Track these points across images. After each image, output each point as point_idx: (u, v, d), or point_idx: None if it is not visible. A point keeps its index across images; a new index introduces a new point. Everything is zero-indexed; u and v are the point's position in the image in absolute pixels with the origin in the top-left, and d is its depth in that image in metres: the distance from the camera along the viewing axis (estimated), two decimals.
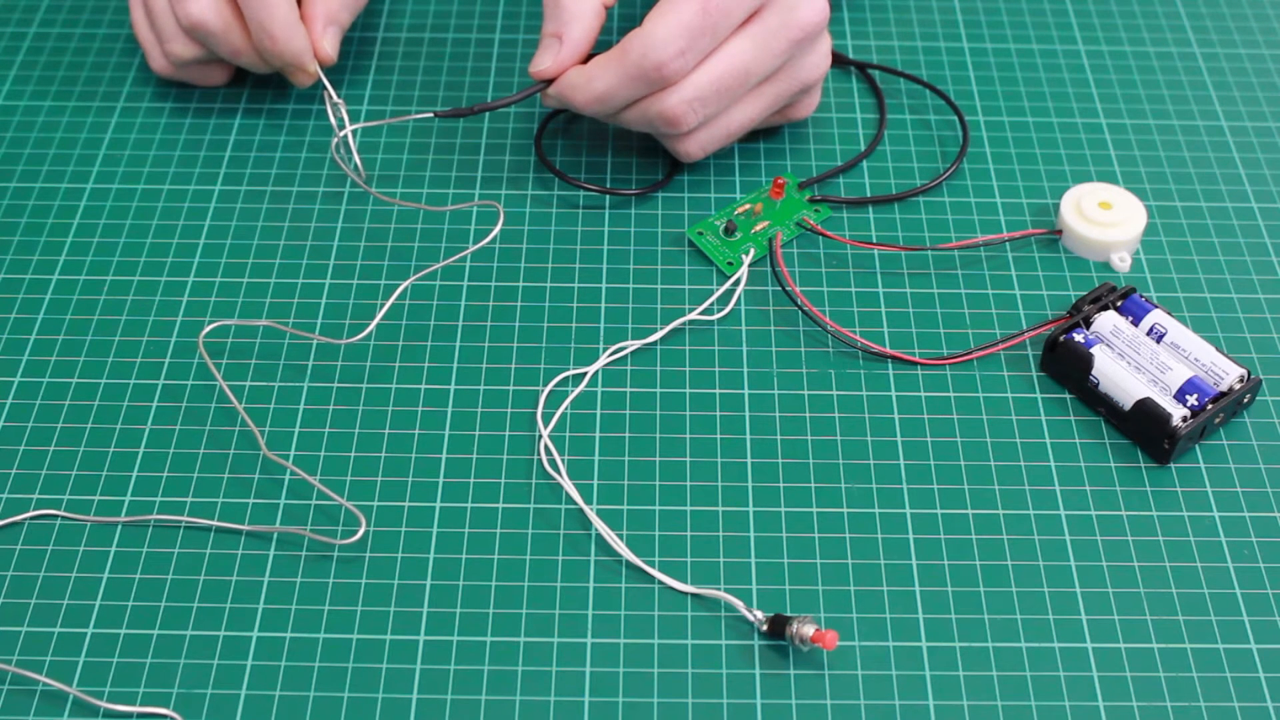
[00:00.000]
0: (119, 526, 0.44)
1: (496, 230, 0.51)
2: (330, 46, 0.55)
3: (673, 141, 0.51)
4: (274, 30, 0.53)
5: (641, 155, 0.55)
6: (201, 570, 0.43)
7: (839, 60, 0.59)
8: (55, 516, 0.44)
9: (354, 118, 0.57)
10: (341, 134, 0.53)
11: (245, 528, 0.43)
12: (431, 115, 0.52)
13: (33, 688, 0.40)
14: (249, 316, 0.49)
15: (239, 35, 0.54)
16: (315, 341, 0.49)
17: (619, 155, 0.55)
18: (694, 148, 0.51)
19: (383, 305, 0.49)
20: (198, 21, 0.53)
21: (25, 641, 0.41)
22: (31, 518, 0.44)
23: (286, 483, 0.45)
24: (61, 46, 0.60)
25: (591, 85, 0.49)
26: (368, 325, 0.49)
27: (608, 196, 0.54)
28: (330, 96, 0.54)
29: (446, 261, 0.51)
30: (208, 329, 0.48)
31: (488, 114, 0.57)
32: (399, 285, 0.50)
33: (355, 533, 0.43)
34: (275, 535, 0.43)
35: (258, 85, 0.58)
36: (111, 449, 0.46)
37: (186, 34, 0.54)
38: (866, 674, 0.41)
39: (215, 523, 0.44)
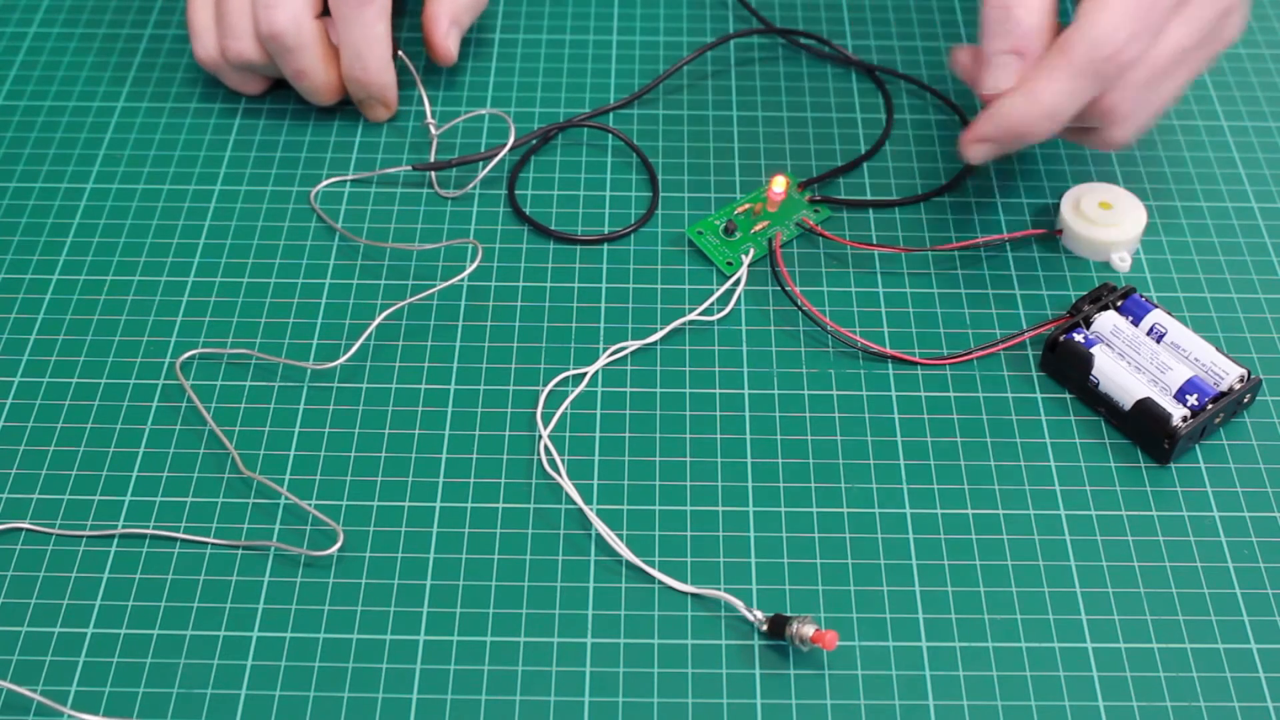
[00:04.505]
0: (118, 528, 0.44)
1: (472, 267, 0.51)
2: (453, 47, 0.56)
3: (1101, 134, 0.48)
4: (369, 61, 0.53)
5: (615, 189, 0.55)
6: (202, 570, 0.43)
7: (842, 60, 0.59)
8: (53, 522, 0.44)
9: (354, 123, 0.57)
10: (319, 187, 0.53)
11: (241, 544, 0.44)
12: (410, 169, 0.53)
13: (33, 688, 0.40)
14: (249, 316, 0.49)
15: (311, 56, 0.53)
16: (314, 343, 0.49)
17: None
18: (1128, 134, 0.48)
19: (383, 307, 0.50)
20: (278, 31, 0.51)
21: (25, 641, 0.41)
22: (30, 525, 0.44)
23: (286, 483, 0.45)
24: (61, 46, 0.60)
25: (1037, 101, 0.45)
26: (368, 326, 0.49)
27: (607, 196, 0.54)
28: (431, 126, 0.55)
29: (442, 285, 0.51)
30: (184, 357, 0.48)
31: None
32: (399, 286, 0.50)
33: (332, 545, 0.43)
34: (273, 536, 0.43)
35: None
36: (112, 449, 0.46)
37: (258, 39, 0.53)
38: (866, 674, 0.41)
39: (211, 540, 0.44)
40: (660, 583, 0.42)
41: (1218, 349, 0.47)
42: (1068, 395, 0.47)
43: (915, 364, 0.48)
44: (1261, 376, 0.48)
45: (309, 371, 0.48)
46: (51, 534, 0.43)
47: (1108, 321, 0.48)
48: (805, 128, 0.57)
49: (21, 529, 0.44)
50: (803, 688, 0.40)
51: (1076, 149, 0.56)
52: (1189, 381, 0.45)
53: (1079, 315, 0.48)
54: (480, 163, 0.54)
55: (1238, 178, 0.55)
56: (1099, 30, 0.44)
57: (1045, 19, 0.46)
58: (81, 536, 0.43)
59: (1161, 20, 0.45)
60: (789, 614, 0.41)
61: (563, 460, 0.45)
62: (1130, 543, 0.44)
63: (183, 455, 0.46)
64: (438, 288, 0.50)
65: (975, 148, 0.47)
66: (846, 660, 0.41)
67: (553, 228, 0.52)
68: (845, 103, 0.58)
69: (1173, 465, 0.46)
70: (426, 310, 0.50)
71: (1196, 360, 0.47)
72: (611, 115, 0.57)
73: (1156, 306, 0.48)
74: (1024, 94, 0.45)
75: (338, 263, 0.51)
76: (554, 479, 0.45)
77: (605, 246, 0.52)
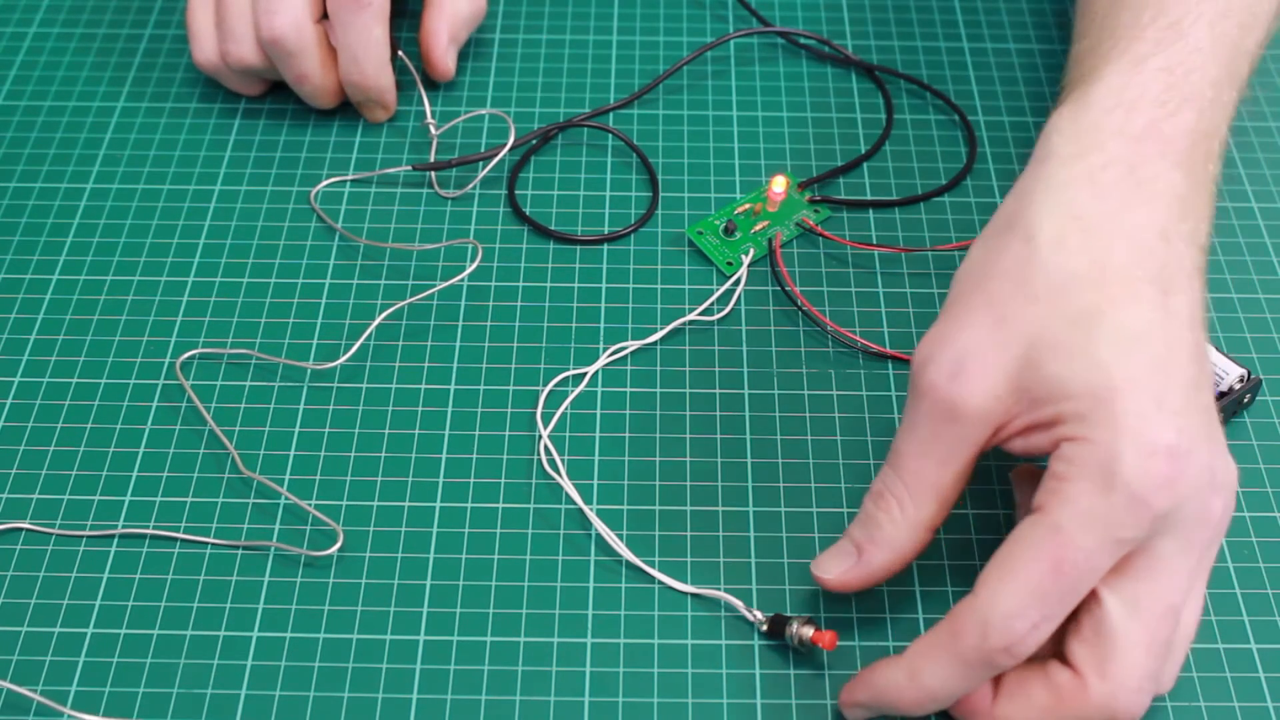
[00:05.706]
0: (118, 528, 0.44)
1: (473, 267, 0.51)
2: (452, 63, 0.56)
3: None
4: (366, 64, 0.53)
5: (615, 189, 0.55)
6: (202, 570, 0.43)
7: (842, 61, 0.59)
8: (53, 522, 0.44)
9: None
10: (319, 187, 0.53)
11: (241, 544, 0.44)
12: (410, 169, 0.53)
13: (33, 688, 0.40)
14: (249, 316, 0.49)
15: (312, 61, 0.53)
16: (314, 343, 0.49)
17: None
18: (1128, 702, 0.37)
19: (383, 307, 0.50)
20: (279, 36, 0.51)
21: (25, 641, 0.41)
22: (30, 525, 0.44)
23: (286, 482, 0.45)
24: (61, 46, 0.60)
25: (918, 683, 0.37)
26: (368, 326, 0.49)
27: (607, 196, 0.54)
28: (431, 126, 0.55)
29: (442, 285, 0.51)
30: (184, 357, 0.48)
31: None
32: (399, 286, 0.50)
33: (332, 545, 0.43)
34: (273, 536, 0.43)
35: None
36: (112, 449, 0.46)
37: (259, 44, 0.53)
38: None
39: (211, 540, 0.44)
40: (660, 583, 0.42)
41: (1217, 349, 0.47)
42: None
43: None
44: (1261, 376, 0.48)
45: (309, 371, 0.48)
46: (51, 534, 0.43)
47: None
48: (805, 128, 0.57)
49: (21, 529, 0.44)
50: (803, 688, 0.40)
51: None
52: None
53: None
54: (480, 163, 0.54)
55: (1238, 178, 0.55)
56: (994, 614, 0.35)
57: (913, 537, 0.38)
58: (81, 536, 0.43)
59: (1074, 601, 0.36)
60: (789, 614, 0.41)
61: (563, 460, 0.45)
62: None
63: (183, 455, 0.46)
64: (438, 288, 0.50)
65: (852, 710, 0.39)
66: (846, 660, 0.41)
67: (553, 228, 0.52)
68: (845, 103, 0.58)
69: None
70: (426, 310, 0.50)
71: None
72: (611, 115, 0.57)
73: None
74: (905, 671, 0.37)
75: (338, 263, 0.51)
76: (554, 479, 0.45)
77: (605, 246, 0.52)
